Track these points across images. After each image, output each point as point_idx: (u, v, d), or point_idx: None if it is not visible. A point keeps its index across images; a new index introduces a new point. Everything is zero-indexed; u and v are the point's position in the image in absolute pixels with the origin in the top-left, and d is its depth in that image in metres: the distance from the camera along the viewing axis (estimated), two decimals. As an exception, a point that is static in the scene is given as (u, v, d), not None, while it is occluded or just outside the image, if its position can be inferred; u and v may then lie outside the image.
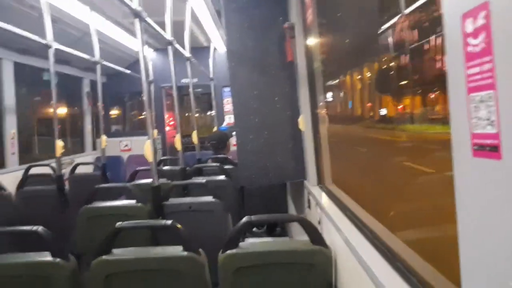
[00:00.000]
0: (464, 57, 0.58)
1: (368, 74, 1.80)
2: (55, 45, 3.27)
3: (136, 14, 2.34)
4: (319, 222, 1.98)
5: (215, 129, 5.99)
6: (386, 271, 1.07)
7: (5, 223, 2.50)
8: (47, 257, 1.51)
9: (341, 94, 2.38)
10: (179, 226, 1.57)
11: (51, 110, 3.57)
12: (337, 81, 2.37)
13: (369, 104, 1.87)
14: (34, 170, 3.71)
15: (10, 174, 3.69)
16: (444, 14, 0.62)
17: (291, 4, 2.44)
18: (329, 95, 2.52)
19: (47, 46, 3.22)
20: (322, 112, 2.39)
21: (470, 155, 0.58)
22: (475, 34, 0.55)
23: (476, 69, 0.56)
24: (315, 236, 1.53)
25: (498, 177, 0.53)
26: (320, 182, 2.38)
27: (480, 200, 0.58)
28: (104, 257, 1.50)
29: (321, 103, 2.40)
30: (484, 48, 0.54)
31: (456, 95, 0.61)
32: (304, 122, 2.43)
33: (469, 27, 0.56)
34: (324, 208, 1.83)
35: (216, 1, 3.83)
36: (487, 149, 0.55)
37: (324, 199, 2.02)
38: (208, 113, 9.64)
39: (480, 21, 0.54)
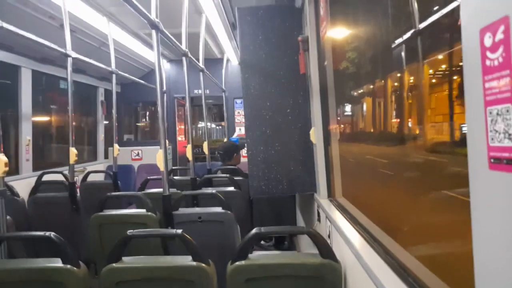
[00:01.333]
0: (482, 71, 0.58)
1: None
2: (73, 55, 3.36)
3: (154, 26, 2.39)
4: (328, 236, 1.96)
5: (225, 140, 6.03)
6: (397, 286, 1.06)
7: (18, 229, 2.54)
8: (58, 263, 1.52)
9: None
10: (188, 236, 1.57)
11: (66, 117, 3.64)
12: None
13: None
14: (47, 177, 3.77)
15: (24, 181, 3.75)
16: (462, 28, 0.62)
17: (306, 17, 2.47)
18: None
19: (66, 55, 3.30)
20: (335, 126, 2.39)
21: (486, 168, 0.58)
22: (493, 48, 0.56)
23: (494, 83, 0.56)
24: (325, 249, 1.51)
25: None
26: (330, 195, 2.36)
27: (496, 215, 0.57)
28: (114, 264, 1.51)
29: (333, 117, 2.40)
30: (502, 62, 0.54)
31: (473, 108, 0.61)
32: (315, 135, 2.43)
33: (488, 41, 0.57)
34: (334, 221, 1.81)
35: (230, 13, 3.90)
36: (504, 162, 0.54)
37: (334, 212, 2.01)
38: (211, 124, 9.74)
39: (499, 35, 0.54)
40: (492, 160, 0.57)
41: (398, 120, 1.73)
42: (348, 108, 2.60)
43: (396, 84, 1.69)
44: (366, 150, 2.09)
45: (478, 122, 0.59)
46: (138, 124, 7.33)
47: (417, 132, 1.46)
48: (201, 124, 10.27)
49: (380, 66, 1.85)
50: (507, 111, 0.54)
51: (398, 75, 1.64)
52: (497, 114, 0.56)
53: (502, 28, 0.54)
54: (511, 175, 0.53)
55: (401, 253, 1.21)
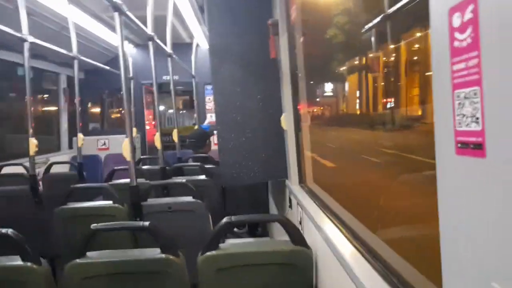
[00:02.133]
0: (450, 52, 0.56)
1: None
2: (31, 39, 3.15)
3: (116, 8, 2.27)
4: (300, 222, 1.96)
5: (195, 127, 5.93)
6: (367, 272, 1.06)
7: None
8: (17, 261, 1.43)
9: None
10: (156, 227, 1.52)
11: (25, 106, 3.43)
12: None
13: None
14: (6, 170, 3.57)
15: None
16: (430, 7, 0.60)
17: (275, 1, 2.42)
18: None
19: (22, 40, 3.09)
20: (305, 111, 2.38)
21: (453, 152, 0.57)
22: (462, 29, 0.54)
23: (462, 65, 0.54)
24: (296, 236, 1.51)
25: (482, 175, 0.52)
26: (302, 181, 2.37)
27: (463, 199, 0.56)
28: (78, 260, 1.44)
29: (303, 102, 2.39)
30: (470, 43, 0.53)
31: (440, 91, 0.60)
32: (286, 121, 2.41)
33: (456, 21, 0.55)
34: (305, 208, 1.82)
35: (198, -4, 3.78)
36: (471, 146, 0.53)
37: (305, 198, 2.01)
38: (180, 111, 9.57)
39: (468, 15, 0.52)
40: (459, 145, 0.56)
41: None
42: (327, 88, 2.56)
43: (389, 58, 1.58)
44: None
45: (445, 106, 0.58)
46: (104, 112, 7.07)
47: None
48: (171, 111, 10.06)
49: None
50: (475, 94, 0.52)
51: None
52: (465, 97, 0.54)
53: (471, 7, 0.52)
54: (478, 160, 0.52)
55: (371, 238, 1.22)
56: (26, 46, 3.13)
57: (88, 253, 1.48)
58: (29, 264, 1.42)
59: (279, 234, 2.48)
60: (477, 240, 0.53)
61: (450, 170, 0.59)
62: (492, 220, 0.50)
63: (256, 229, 3.75)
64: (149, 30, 3.12)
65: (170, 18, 3.85)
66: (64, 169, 4.54)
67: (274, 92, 2.53)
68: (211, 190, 2.90)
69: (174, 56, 4.07)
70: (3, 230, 1.48)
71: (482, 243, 0.52)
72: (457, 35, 0.55)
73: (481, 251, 0.53)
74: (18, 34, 3.05)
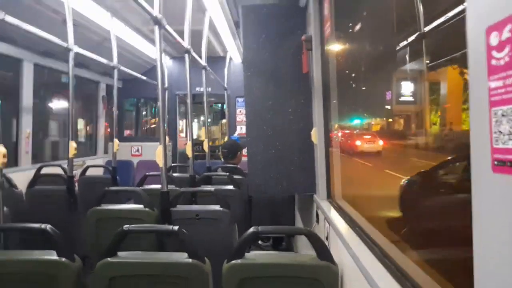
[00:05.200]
0: (488, 70, 0.56)
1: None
2: (75, 49, 3.35)
3: (156, 21, 2.38)
4: (326, 238, 1.94)
5: (226, 138, 6.01)
6: None
7: (15, 221, 2.53)
8: (52, 255, 1.51)
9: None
10: (185, 232, 1.56)
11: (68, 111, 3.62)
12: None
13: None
14: (46, 170, 3.76)
15: (22, 173, 3.74)
16: (468, 27, 0.61)
17: (309, 17, 2.45)
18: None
19: (68, 49, 3.29)
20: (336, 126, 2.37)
21: (490, 170, 0.56)
22: (499, 48, 0.54)
23: (500, 83, 0.54)
24: (323, 251, 1.50)
25: None
26: (330, 196, 2.35)
27: (499, 218, 0.55)
28: (109, 259, 1.49)
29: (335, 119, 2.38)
30: (508, 61, 0.53)
31: (477, 108, 0.59)
32: (316, 135, 2.41)
33: (494, 40, 0.55)
34: (333, 223, 1.80)
35: (234, 12, 3.89)
36: (508, 164, 0.53)
37: (333, 214, 1.99)
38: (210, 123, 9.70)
39: (506, 34, 0.53)
40: (496, 163, 0.55)
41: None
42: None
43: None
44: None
45: (482, 123, 0.58)
46: (138, 120, 7.32)
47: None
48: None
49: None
50: None
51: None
52: (502, 115, 0.54)
53: (509, 26, 0.52)
54: None
55: (399, 256, 1.20)
56: (71, 55, 3.33)
57: (119, 253, 1.53)
58: (63, 259, 1.49)
59: (304, 249, 2.46)
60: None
61: (486, 188, 0.58)
62: None
63: (281, 244, 3.72)
64: (186, 43, 3.24)
65: (206, 32, 3.98)
66: (98, 172, 4.73)
67: (304, 106, 2.54)
68: (238, 200, 2.92)
69: (208, 68, 4.19)
70: (42, 226, 1.57)
71: None
72: (494, 53, 0.55)
73: None
74: (65, 44, 3.25)
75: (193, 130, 4.01)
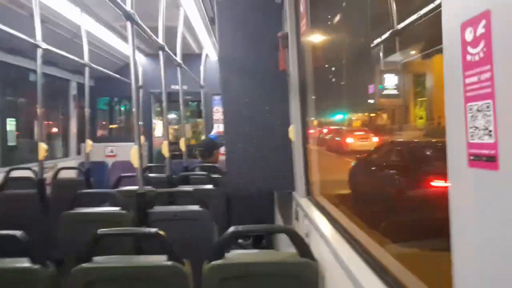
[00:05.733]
0: (463, 66, 0.57)
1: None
2: (44, 46, 3.22)
3: (128, 17, 2.31)
4: (306, 235, 1.95)
5: (203, 137, 5.96)
6: (375, 286, 1.05)
7: None
8: (25, 263, 1.45)
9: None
10: (163, 234, 1.52)
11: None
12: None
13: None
14: (15, 173, 3.61)
15: None
16: (443, 22, 0.61)
17: (285, 13, 2.45)
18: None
19: (36, 46, 3.16)
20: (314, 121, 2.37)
21: (466, 165, 0.57)
22: (474, 43, 0.55)
23: (475, 78, 0.55)
24: (303, 248, 1.50)
25: (495, 188, 0.52)
26: (309, 193, 2.36)
27: (475, 211, 0.56)
28: (84, 264, 1.45)
29: (312, 114, 2.39)
30: (483, 57, 0.53)
31: (453, 104, 0.60)
32: (294, 132, 2.41)
33: (469, 35, 0.55)
34: (313, 220, 1.81)
35: (210, 8, 3.84)
36: (484, 159, 0.54)
37: (313, 211, 2.00)
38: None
39: (480, 30, 0.53)
40: (471, 157, 0.56)
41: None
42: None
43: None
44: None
45: (458, 118, 0.58)
46: (112, 119, 7.14)
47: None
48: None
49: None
50: (488, 107, 0.53)
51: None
52: (478, 110, 0.55)
53: (483, 22, 0.53)
54: (491, 172, 0.52)
55: (379, 252, 1.21)
56: (39, 52, 3.19)
57: (94, 258, 1.48)
58: (36, 266, 1.43)
59: (284, 247, 2.46)
60: (490, 252, 0.53)
61: (462, 182, 0.59)
62: (506, 232, 0.50)
63: (261, 241, 3.72)
64: (160, 40, 3.18)
65: (180, 29, 3.92)
66: (71, 174, 4.58)
67: (282, 104, 2.54)
68: (217, 199, 2.90)
69: (183, 66, 4.12)
70: (12, 232, 1.50)
71: (496, 255, 0.52)
72: (469, 49, 0.56)
73: (494, 263, 0.52)
74: (32, 41, 3.11)
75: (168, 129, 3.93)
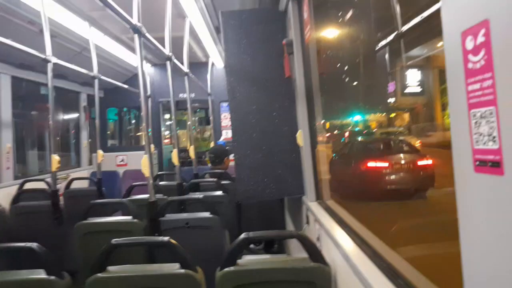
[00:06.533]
0: (465, 74, 0.58)
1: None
2: (54, 60, 3.29)
3: (136, 30, 2.36)
4: (318, 239, 1.96)
5: (212, 144, 5.99)
6: None
7: (0, 239, 2.46)
8: (41, 274, 1.47)
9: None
10: (175, 243, 1.54)
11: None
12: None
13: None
14: (29, 185, 3.67)
15: (4, 189, 3.64)
16: (444, 31, 0.63)
17: (289, 21, 2.47)
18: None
19: (46, 61, 3.23)
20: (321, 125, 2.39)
21: (471, 170, 0.58)
22: (475, 51, 0.56)
23: (477, 86, 0.56)
24: (314, 253, 1.51)
25: (501, 192, 0.53)
26: (319, 197, 2.36)
27: (482, 216, 0.57)
28: (99, 275, 1.47)
29: (319, 119, 2.40)
30: (484, 65, 0.55)
31: (456, 111, 0.61)
32: (302, 137, 2.43)
33: (469, 44, 0.57)
34: (323, 224, 1.81)
35: (215, 17, 3.89)
36: (489, 164, 0.55)
37: (323, 215, 2.01)
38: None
39: (480, 38, 0.55)
40: (477, 163, 0.57)
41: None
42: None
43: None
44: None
45: (462, 125, 0.60)
46: (122, 129, 7.23)
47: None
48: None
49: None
50: (491, 113, 0.54)
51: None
52: (481, 116, 0.56)
53: (483, 31, 0.54)
54: (496, 177, 0.53)
55: (390, 255, 1.21)
56: (50, 66, 3.27)
57: (109, 268, 1.50)
58: (52, 277, 1.46)
59: (296, 251, 2.47)
60: (498, 256, 0.54)
61: (469, 188, 0.60)
62: None
63: (272, 246, 3.72)
64: (167, 50, 3.22)
65: (186, 38, 3.97)
66: (84, 184, 4.64)
67: (289, 109, 2.56)
68: (227, 206, 2.91)
69: (190, 74, 4.17)
70: (28, 244, 1.53)
71: (503, 259, 0.53)
72: (470, 57, 0.57)
73: (502, 267, 0.53)
74: (43, 56, 3.19)
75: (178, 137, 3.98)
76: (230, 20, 2.61)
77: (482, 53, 0.55)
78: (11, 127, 3.83)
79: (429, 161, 4.22)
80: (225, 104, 6.23)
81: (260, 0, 3.11)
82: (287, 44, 2.41)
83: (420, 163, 4.27)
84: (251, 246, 3.64)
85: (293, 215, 3.07)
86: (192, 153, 4.12)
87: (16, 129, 4.02)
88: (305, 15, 2.28)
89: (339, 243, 1.48)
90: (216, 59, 5.78)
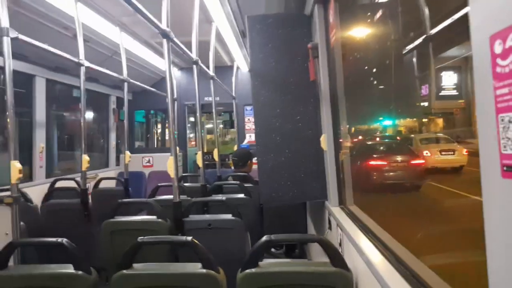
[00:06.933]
0: (493, 77, 0.57)
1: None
2: (86, 63, 3.43)
3: (165, 35, 2.43)
4: (339, 244, 1.94)
5: (235, 147, 6.04)
6: None
7: (31, 235, 2.58)
8: (69, 269, 1.53)
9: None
10: (198, 243, 1.57)
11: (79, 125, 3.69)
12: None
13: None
14: (60, 184, 3.83)
15: (37, 187, 3.81)
16: (472, 35, 0.62)
17: (315, 25, 2.48)
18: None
19: (79, 65, 3.37)
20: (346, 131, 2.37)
21: (499, 176, 0.57)
22: (504, 55, 0.55)
23: (505, 90, 0.55)
24: (336, 258, 1.49)
25: None
26: (342, 203, 2.34)
27: (509, 223, 0.56)
28: (124, 271, 1.51)
29: (344, 124, 2.39)
30: None
31: (484, 115, 0.60)
32: (326, 141, 2.42)
33: (498, 47, 0.56)
34: (345, 230, 1.79)
35: (240, 22, 3.94)
36: None
37: (346, 220, 1.99)
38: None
39: (509, 42, 0.54)
40: (505, 168, 0.56)
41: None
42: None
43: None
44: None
45: (489, 129, 0.59)
46: (149, 131, 7.41)
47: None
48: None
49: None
50: None
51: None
52: (509, 121, 0.55)
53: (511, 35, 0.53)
54: None
55: (413, 261, 1.19)
56: (82, 70, 3.41)
57: (134, 265, 1.55)
58: (80, 272, 1.52)
59: (317, 256, 2.45)
60: None
61: (496, 193, 0.59)
62: None
63: (294, 250, 3.71)
64: (193, 54, 3.29)
65: (213, 43, 4.04)
66: (111, 184, 4.78)
67: (313, 113, 2.56)
68: (249, 208, 2.93)
69: (216, 78, 4.23)
70: (59, 240, 1.60)
71: None
72: (499, 61, 0.56)
73: None
74: (76, 60, 3.33)
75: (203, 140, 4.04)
76: (256, 24, 2.64)
77: (511, 57, 0.54)
78: (44, 128, 4.01)
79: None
80: (249, 108, 6.27)
81: (286, 5, 3.13)
82: (313, 47, 2.41)
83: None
84: (273, 250, 3.64)
85: (315, 219, 3.05)
86: (216, 156, 4.17)
87: (59, 130, 4.18)
88: (331, 18, 2.28)
89: (361, 249, 1.47)
90: (241, 62, 5.84)
